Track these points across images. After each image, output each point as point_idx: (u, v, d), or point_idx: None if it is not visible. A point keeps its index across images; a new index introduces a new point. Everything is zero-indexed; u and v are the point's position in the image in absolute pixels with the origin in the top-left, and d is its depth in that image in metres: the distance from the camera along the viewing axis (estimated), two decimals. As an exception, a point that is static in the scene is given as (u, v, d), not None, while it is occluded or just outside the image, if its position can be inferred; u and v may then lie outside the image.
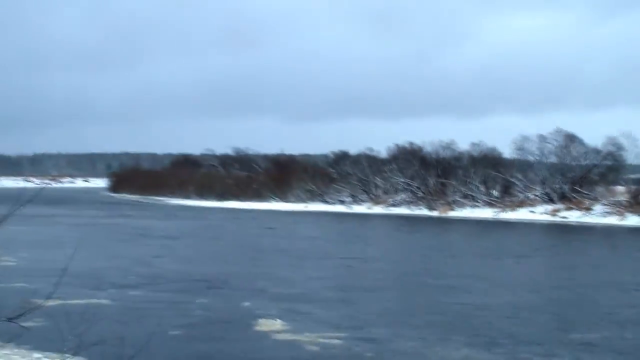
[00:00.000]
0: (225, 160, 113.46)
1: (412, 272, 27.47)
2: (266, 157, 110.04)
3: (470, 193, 70.69)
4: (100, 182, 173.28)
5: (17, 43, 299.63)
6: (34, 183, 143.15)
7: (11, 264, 26.34)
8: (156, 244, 35.92)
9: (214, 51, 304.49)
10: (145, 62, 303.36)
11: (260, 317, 17.47)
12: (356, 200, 79.24)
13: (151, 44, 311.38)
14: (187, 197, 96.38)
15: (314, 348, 14.56)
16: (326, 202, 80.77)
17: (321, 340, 15.20)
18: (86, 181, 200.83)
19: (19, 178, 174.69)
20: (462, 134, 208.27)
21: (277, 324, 16.70)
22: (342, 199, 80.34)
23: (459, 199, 70.74)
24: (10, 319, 4.49)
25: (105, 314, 16.81)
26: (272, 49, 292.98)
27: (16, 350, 12.67)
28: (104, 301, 18.88)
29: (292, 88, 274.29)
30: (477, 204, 69.53)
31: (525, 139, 70.30)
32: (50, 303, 5.35)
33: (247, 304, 19.42)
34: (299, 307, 19.06)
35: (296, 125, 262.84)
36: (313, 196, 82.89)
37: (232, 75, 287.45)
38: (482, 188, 70.87)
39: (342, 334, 15.75)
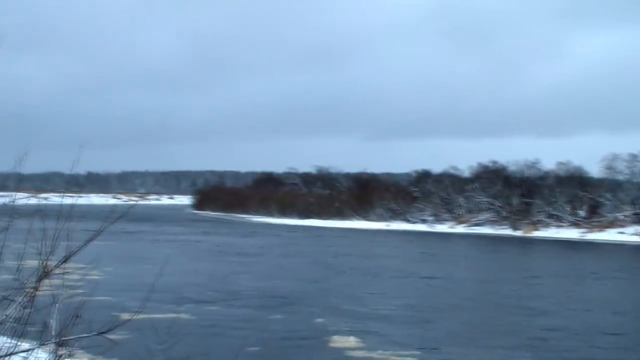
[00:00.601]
0: (307, 179, 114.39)
1: (491, 292, 27.35)
2: (348, 176, 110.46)
3: (555, 213, 69.42)
4: (184, 200, 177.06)
5: (108, 64, 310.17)
6: (121, 200, 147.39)
7: (97, 278, 27.37)
8: (234, 261, 36.74)
9: (298, 70, 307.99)
10: (231, 82, 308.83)
11: (334, 333, 18.02)
12: (438, 219, 78.78)
13: (236, 64, 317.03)
14: (269, 214, 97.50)
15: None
16: (408, 220, 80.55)
17: (394, 358, 15.58)
18: (171, 198, 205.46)
19: (107, 195, 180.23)
20: (548, 152, 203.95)
21: (350, 341, 17.19)
22: (424, 218, 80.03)
23: (543, 219, 69.54)
24: (100, 333, 4.94)
25: (188, 329, 17.42)
26: (355, 68, 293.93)
27: (105, 363, 13.44)
28: (184, 316, 19.57)
29: (375, 106, 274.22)
30: (562, 224, 68.18)
31: (615, 157, 68.79)
32: (136, 317, 5.82)
33: (321, 320, 19.98)
34: (373, 325, 19.50)
35: (379, 143, 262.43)
36: (395, 215, 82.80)
37: (315, 94, 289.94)
38: (568, 208, 69.49)
39: (415, 353, 16.11)
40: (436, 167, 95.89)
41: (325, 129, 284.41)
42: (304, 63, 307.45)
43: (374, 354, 15.90)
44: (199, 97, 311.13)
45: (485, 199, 76.02)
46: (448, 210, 79.68)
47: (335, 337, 17.55)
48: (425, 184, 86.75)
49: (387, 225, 78.80)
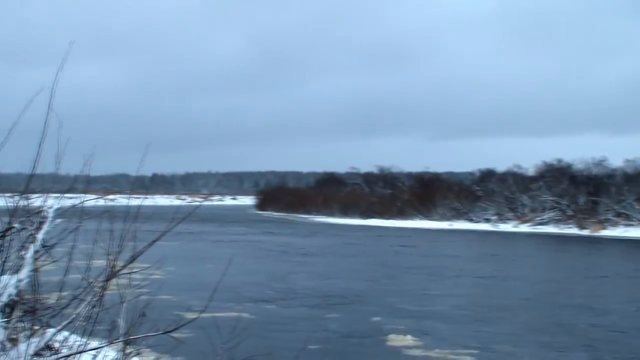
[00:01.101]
0: (369, 179, 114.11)
1: (551, 292, 26.90)
2: (410, 175, 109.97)
3: (624, 211, 67.83)
4: (247, 200, 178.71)
5: (177, 67, 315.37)
6: (185, 201, 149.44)
7: (162, 277, 27.83)
8: (294, 261, 36.99)
9: (363, 70, 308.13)
10: (297, 83, 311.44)
11: (391, 332, 18.20)
12: (502, 218, 77.81)
13: (303, 65, 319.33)
14: (331, 215, 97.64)
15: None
16: (471, 220, 79.78)
17: (452, 357, 15.75)
18: (234, 199, 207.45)
19: (171, 196, 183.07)
20: (615, 150, 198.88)
21: (408, 340, 17.35)
22: (487, 217, 79.13)
23: (611, 218, 68.03)
24: (166, 332, 5.03)
25: (249, 328, 17.58)
26: (420, 67, 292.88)
27: (172, 362, 13.74)
28: (244, 315, 19.76)
29: (438, 105, 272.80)
30: (631, 222, 66.59)
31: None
32: (199, 316, 5.94)
33: (378, 319, 20.18)
34: (429, 324, 19.60)
35: (441, 143, 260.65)
36: (458, 214, 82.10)
37: (379, 94, 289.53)
38: (637, 206, 67.80)
39: (473, 352, 16.19)
40: (500, 166, 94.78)
41: (388, 129, 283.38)
42: (370, 62, 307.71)
43: (431, 353, 16.04)
44: (265, 98, 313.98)
45: (550, 198, 74.79)
46: (512, 209, 78.64)
47: (393, 336, 17.74)
48: (488, 182, 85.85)
49: (450, 225, 78.17)
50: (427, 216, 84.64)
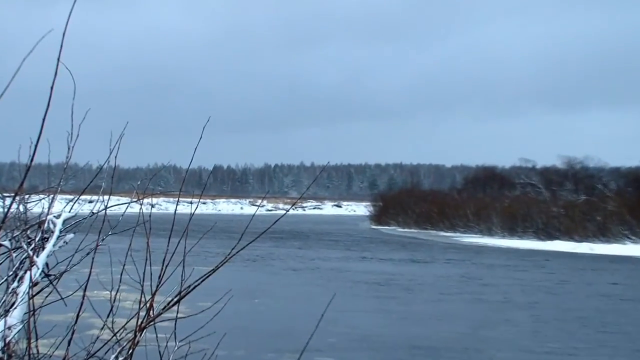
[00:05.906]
0: (550, 177, 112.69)
1: None
2: (618, 172, 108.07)
3: None
4: (358, 208, 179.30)
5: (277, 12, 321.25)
6: (262, 208, 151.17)
7: (213, 321, 28.40)
8: (383, 297, 37.16)
9: (562, 9, 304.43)
10: (457, 30, 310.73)
11: None
12: None
13: (467, 5, 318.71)
14: (489, 233, 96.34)
15: None
16: None
17: None
18: (337, 206, 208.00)
19: (242, 200, 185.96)
20: None
21: None
22: None
23: None
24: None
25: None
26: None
27: None
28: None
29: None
30: None
31: None
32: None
33: None
34: None
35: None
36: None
37: (587, 44, 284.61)
38: None
39: None
40: None
41: (593, 100, 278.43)
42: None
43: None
44: (407, 53, 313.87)
45: None
46: None
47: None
48: None
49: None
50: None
